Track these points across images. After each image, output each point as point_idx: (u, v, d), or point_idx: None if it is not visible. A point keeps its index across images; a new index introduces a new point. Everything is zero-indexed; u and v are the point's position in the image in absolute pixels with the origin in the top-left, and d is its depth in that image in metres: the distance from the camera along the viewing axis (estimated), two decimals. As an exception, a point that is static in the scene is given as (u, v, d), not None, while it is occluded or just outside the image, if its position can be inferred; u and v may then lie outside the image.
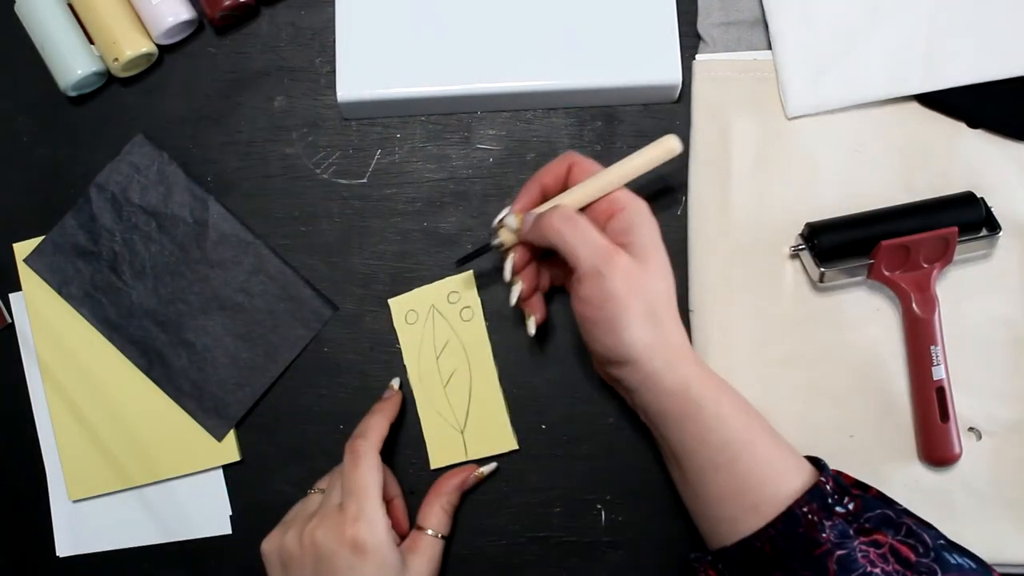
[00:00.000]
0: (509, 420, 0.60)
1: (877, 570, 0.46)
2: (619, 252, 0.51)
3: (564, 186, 0.55)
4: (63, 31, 0.62)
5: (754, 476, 0.49)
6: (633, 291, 0.50)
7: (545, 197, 0.55)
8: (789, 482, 0.49)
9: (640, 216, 0.52)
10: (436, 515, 0.57)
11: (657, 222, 0.53)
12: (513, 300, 0.56)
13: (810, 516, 0.48)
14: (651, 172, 0.61)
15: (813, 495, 0.48)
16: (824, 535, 0.47)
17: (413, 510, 0.59)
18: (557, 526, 0.60)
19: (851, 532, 0.48)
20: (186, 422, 0.61)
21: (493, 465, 0.59)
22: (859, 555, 0.47)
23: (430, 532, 0.56)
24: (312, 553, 0.52)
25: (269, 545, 0.55)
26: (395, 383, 0.61)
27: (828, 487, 0.49)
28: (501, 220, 0.55)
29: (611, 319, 0.50)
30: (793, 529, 0.48)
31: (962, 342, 0.57)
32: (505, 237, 0.55)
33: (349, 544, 0.51)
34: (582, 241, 0.51)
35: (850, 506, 0.49)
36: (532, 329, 0.57)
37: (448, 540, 0.58)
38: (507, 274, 0.56)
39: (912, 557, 0.47)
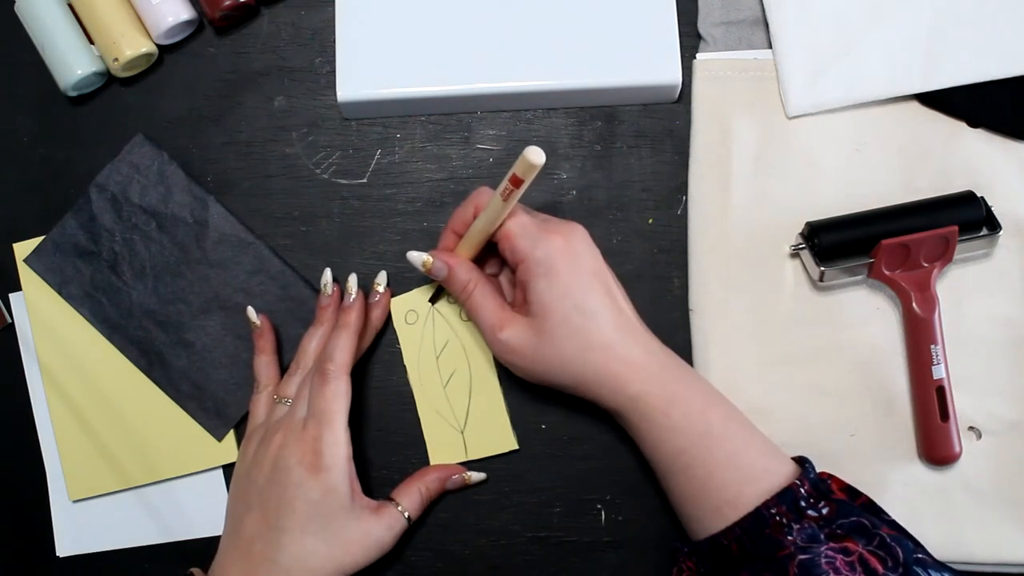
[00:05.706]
0: (509, 420, 0.59)
1: None
2: (506, 325, 0.53)
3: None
4: (63, 31, 0.62)
5: (714, 481, 0.50)
6: (536, 356, 0.52)
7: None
8: (757, 484, 0.49)
9: (534, 269, 0.52)
10: (411, 495, 0.57)
11: (574, 250, 0.52)
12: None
13: (778, 518, 0.48)
14: (650, 172, 0.61)
15: (783, 497, 0.48)
16: (790, 538, 0.47)
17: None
18: (557, 526, 0.59)
19: (821, 536, 0.47)
20: (186, 422, 0.61)
21: (483, 476, 0.59)
22: (823, 560, 0.46)
23: (399, 508, 0.56)
24: (271, 464, 0.53)
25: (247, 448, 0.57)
26: (352, 284, 0.58)
27: (802, 490, 0.49)
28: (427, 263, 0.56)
29: (531, 375, 0.54)
30: (759, 530, 0.48)
31: (962, 341, 0.57)
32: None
33: (307, 465, 0.52)
34: (477, 317, 0.54)
35: (824, 510, 0.49)
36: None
37: (411, 531, 0.57)
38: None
39: (880, 569, 0.46)
